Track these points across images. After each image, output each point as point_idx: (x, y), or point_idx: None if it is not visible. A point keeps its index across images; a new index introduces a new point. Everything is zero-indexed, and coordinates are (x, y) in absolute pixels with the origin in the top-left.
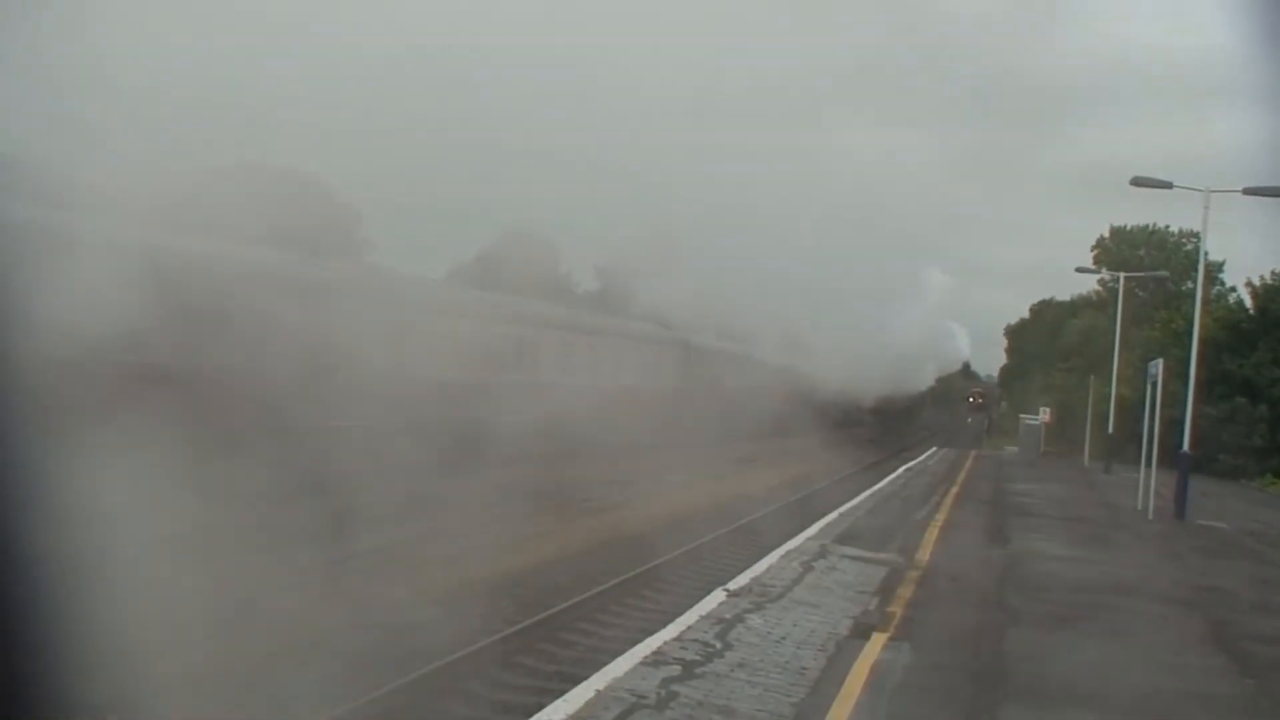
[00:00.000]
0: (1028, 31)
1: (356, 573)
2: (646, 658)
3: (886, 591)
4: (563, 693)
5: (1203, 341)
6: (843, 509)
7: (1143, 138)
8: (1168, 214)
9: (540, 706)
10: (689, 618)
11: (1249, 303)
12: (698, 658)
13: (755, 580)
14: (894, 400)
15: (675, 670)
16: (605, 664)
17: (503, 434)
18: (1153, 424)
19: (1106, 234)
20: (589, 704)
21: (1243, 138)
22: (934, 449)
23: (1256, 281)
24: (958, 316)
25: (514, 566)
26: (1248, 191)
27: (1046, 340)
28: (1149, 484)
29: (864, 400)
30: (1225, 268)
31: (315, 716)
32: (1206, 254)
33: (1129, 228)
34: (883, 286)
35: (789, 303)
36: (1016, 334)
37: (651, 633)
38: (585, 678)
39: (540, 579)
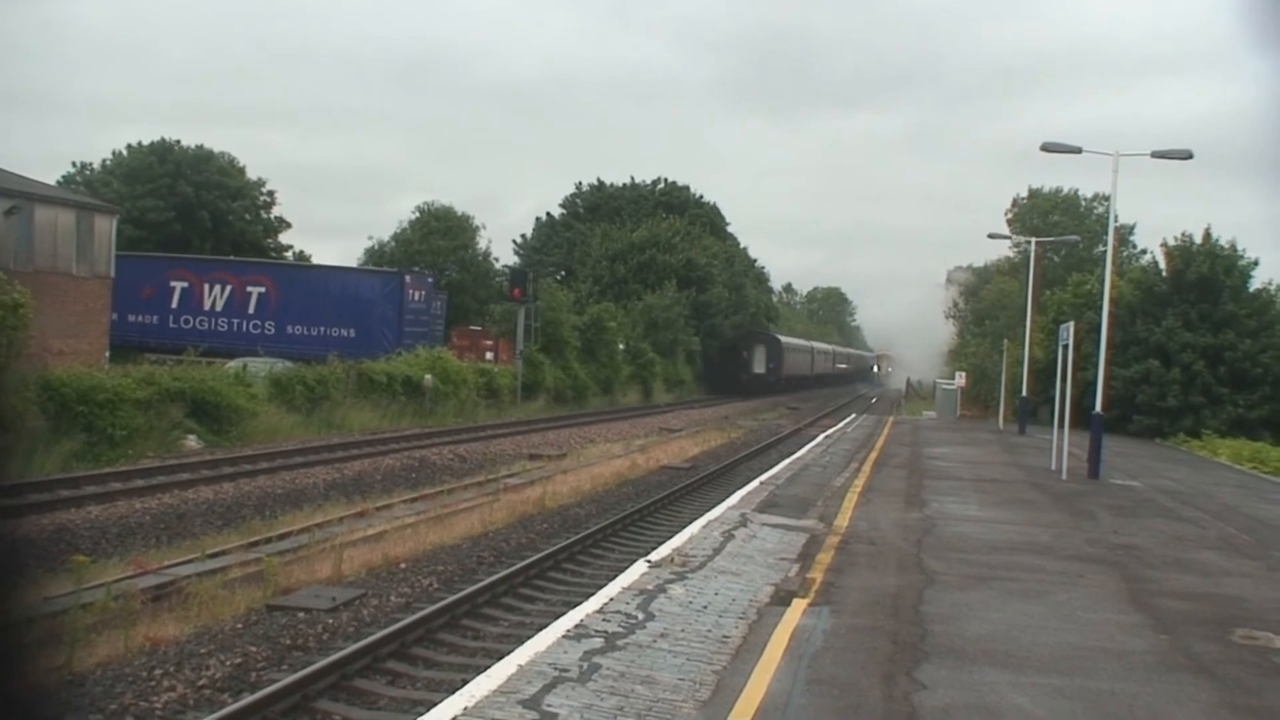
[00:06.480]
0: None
1: None
2: None
3: (807, 558)
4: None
5: (1114, 303)
6: (769, 474)
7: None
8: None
9: None
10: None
11: (1163, 264)
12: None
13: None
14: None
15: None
16: None
17: None
18: (1064, 386)
19: (1024, 194)
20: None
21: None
22: (853, 415)
23: (1171, 242)
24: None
25: None
26: (1155, 154)
27: (962, 305)
28: (1063, 445)
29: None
30: (1136, 230)
31: None
32: (1117, 217)
33: (1045, 190)
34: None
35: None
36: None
37: None
38: None
39: None
